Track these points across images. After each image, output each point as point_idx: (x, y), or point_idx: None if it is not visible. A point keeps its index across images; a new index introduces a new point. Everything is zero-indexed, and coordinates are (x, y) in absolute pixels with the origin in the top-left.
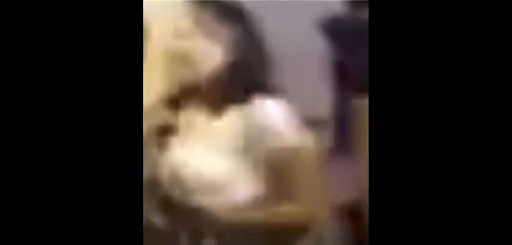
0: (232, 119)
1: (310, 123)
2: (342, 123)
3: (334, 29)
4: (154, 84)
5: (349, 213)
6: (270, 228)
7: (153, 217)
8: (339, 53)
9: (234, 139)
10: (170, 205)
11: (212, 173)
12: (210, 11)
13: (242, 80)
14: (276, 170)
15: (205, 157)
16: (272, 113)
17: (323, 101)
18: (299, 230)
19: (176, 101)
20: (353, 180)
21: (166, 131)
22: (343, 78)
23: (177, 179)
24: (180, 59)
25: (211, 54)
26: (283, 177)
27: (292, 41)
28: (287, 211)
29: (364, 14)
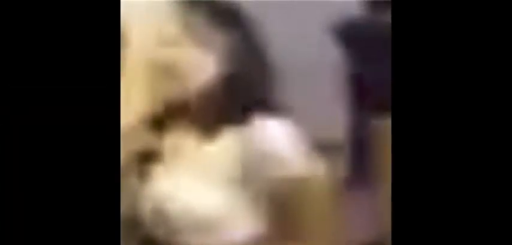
0: (227, 144)
1: (322, 148)
2: (359, 148)
3: (350, 35)
4: (134, 102)
5: None
6: None
7: None
8: (356, 65)
9: (230, 167)
10: None
11: (203, 209)
12: (201, 13)
13: (239, 96)
14: (281, 204)
15: (196, 188)
16: (275, 137)
17: (337, 122)
18: None
19: (160, 121)
20: (373, 216)
21: (148, 157)
22: (361, 95)
23: (161, 215)
24: (165, 71)
25: (202, 65)
26: (288, 213)
27: (300, 50)
28: None
29: (386, 17)
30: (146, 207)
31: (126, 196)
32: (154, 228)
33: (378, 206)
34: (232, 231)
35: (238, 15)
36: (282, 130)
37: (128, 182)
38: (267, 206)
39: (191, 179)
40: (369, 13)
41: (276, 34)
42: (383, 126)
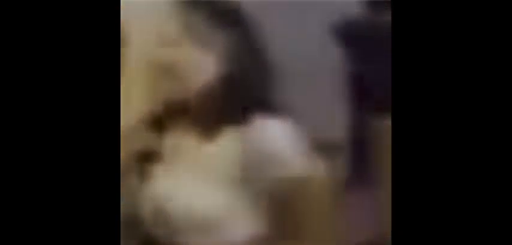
0: (227, 144)
1: (322, 148)
2: (359, 148)
3: (350, 35)
4: (134, 102)
5: None
6: None
7: None
8: (356, 64)
9: (230, 168)
10: None
11: (204, 209)
12: (201, 13)
13: (239, 96)
14: (281, 204)
15: (196, 188)
16: (275, 137)
17: (337, 122)
18: None
19: (160, 121)
20: (373, 216)
21: (148, 157)
22: (361, 95)
23: (161, 215)
24: (165, 71)
25: (202, 65)
26: (289, 213)
27: (300, 50)
28: None
29: (387, 17)
30: (146, 207)
31: (126, 196)
32: (155, 228)
33: (378, 206)
34: (233, 231)
35: (238, 15)
36: (282, 130)
37: (128, 182)
38: (267, 206)
39: (191, 179)
40: (369, 13)
41: (276, 34)
42: (383, 126)
